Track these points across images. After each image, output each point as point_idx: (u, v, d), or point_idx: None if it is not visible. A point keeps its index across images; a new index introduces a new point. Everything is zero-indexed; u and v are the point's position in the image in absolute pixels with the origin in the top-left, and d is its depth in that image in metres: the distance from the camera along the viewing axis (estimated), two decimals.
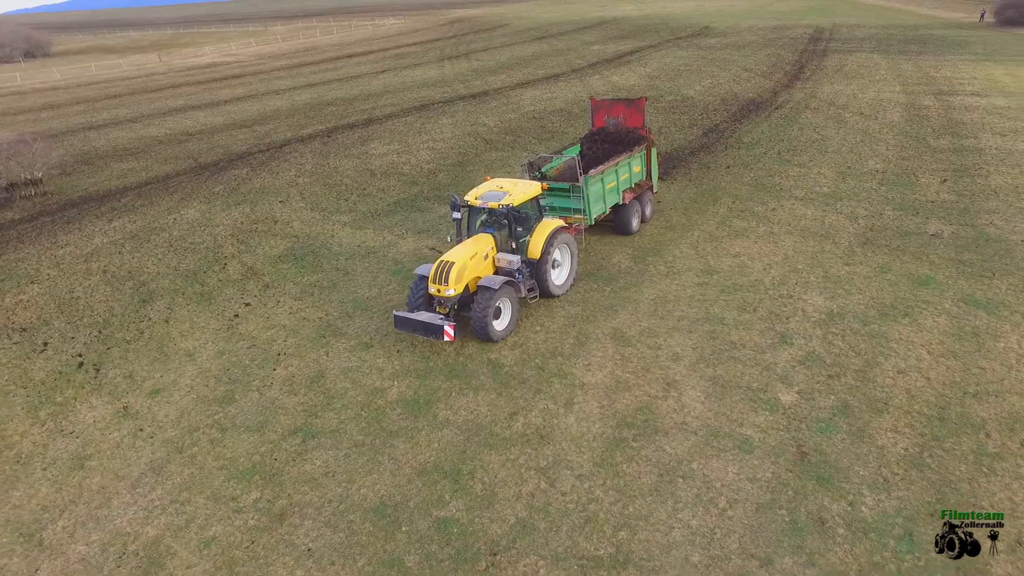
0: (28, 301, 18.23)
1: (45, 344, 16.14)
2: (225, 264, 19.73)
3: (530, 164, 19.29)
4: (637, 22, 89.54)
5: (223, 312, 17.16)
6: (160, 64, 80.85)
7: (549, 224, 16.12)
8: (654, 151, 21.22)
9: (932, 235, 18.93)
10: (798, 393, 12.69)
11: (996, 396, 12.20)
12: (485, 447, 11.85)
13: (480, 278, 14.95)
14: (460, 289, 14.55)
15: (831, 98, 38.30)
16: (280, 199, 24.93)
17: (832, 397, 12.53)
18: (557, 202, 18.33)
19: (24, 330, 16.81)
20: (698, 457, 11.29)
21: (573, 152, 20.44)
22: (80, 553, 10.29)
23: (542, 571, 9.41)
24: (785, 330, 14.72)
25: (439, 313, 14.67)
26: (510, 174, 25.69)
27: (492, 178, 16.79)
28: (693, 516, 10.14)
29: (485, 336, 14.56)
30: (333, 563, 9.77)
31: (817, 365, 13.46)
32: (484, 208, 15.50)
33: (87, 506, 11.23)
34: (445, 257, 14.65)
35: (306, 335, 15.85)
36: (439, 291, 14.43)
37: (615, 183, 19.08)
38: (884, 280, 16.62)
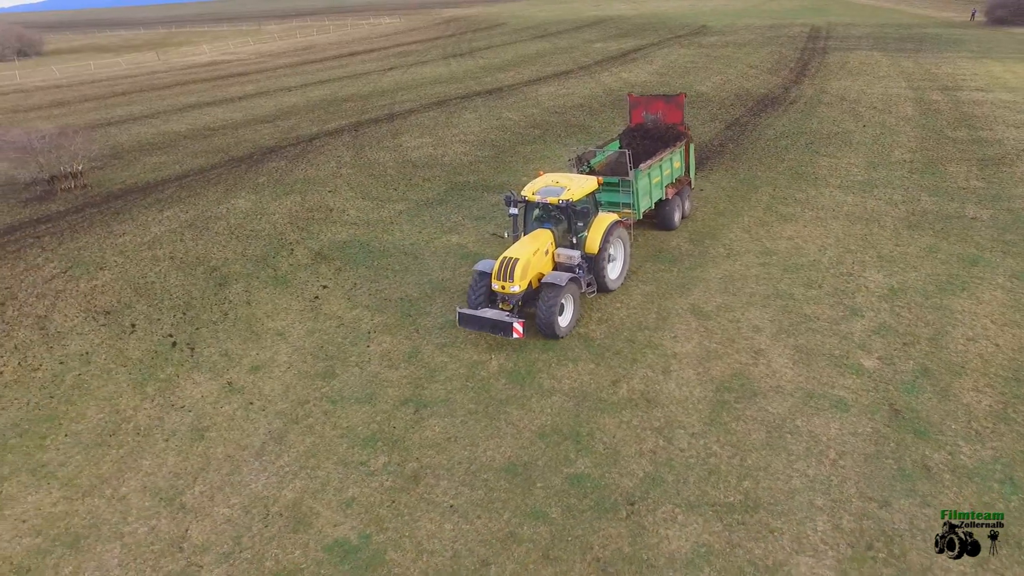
0: (103, 286, 18.63)
1: (133, 325, 16.59)
2: (292, 249, 20.25)
3: (578, 158, 19.58)
4: (634, 21, 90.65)
5: (302, 294, 17.70)
6: (159, 62, 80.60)
7: (605, 218, 16.07)
8: (691, 147, 21.69)
9: (972, 218, 19.88)
10: (879, 359, 13.52)
11: None
12: (596, 411, 12.54)
13: (542, 274, 14.93)
14: (525, 285, 14.49)
15: (842, 94, 39.41)
16: (328, 189, 25.44)
17: (911, 362, 13.37)
18: (605, 196, 18.19)
19: (108, 313, 17.24)
20: (799, 416, 12.07)
21: (613, 148, 20.86)
22: (224, 515, 10.81)
23: (679, 517, 10.12)
24: (853, 304, 15.56)
25: (503, 310, 14.59)
26: (552, 167, 26.39)
27: (544, 172, 16.66)
28: (808, 466, 10.91)
29: (551, 333, 14.45)
30: (479, 517, 10.40)
31: (891, 334, 14.30)
32: (543, 203, 15.30)
33: (218, 473, 11.75)
34: (508, 253, 14.56)
35: (392, 314, 16.45)
36: (503, 288, 14.30)
37: (659, 178, 19.30)
38: (935, 259, 17.53)
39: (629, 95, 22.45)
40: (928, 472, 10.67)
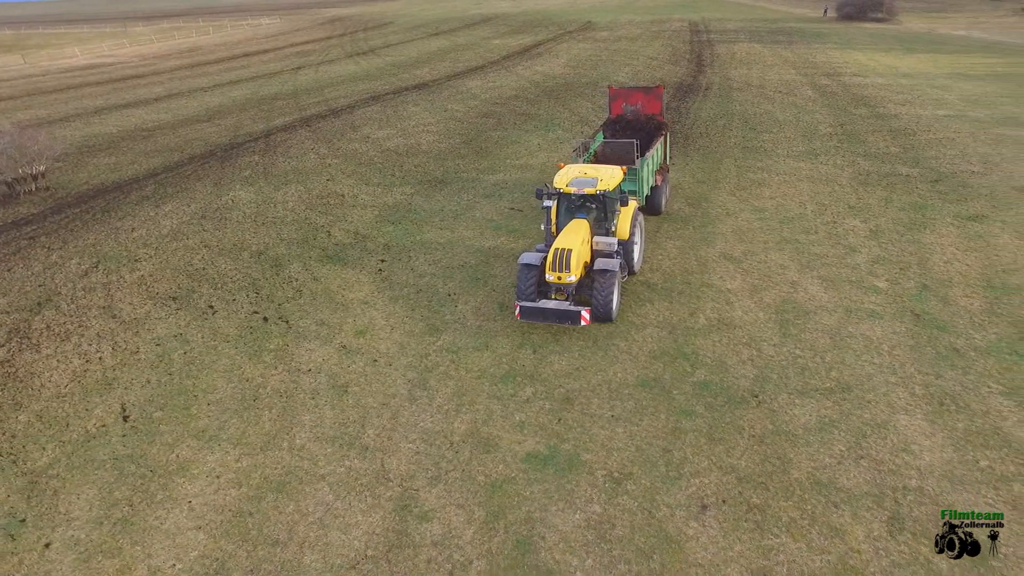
0: (152, 276, 18.91)
1: (211, 307, 17.21)
2: (328, 232, 21.22)
3: (583, 147, 20.80)
4: (521, 18, 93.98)
5: (364, 267, 18.90)
6: (26, 65, 74.77)
7: (630, 206, 16.79)
8: (667, 136, 23.27)
9: (906, 175, 24.06)
10: (887, 281, 16.83)
11: (1021, 270, 16.94)
12: (689, 336, 14.96)
13: (586, 262, 15.57)
14: (579, 274, 15.07)
15: (746, 80, 44.13)
16: (326, 178, 26.26)
17: (911, 281, 16.76)
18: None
19: (174, 298, 17.69)
20: (848, 324, 15.06)
21: (598, 139, 22.20)
22: (411, 448, 12.26)
23: (796, 401, 12.73)
24: (848, 243, 18.91)
25: (557, 299, 15.08)
26: (525, 153, 28.53)
27: (564, 164, 17.21)
28: (872, 358, 13.85)
29: (607, 316, 15.02)
30: (641, 420, 12.52)
31: (887, 263, 17.70)
32: (579, 195, 15.91)
33: (380, 418, 13.09)
34: (559, 245, 14.99)
35: (460, 279, 18.06)
36: (559, 278, 14.74)
37: (651, 166, 20.34)
38: (893, 207, 21.34)
39: (609, 87, 24.01)
40: (958, 353, 13.89)
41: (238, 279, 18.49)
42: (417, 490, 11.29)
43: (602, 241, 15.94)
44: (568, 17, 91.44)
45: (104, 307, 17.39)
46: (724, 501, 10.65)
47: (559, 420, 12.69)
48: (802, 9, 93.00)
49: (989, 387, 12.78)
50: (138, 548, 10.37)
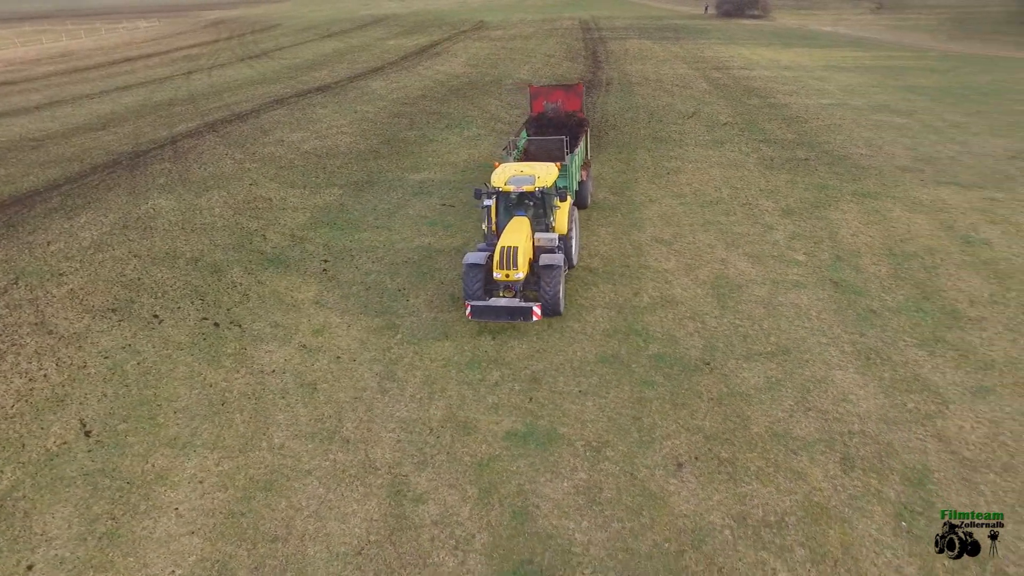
0: (82, 289, 18.13)
1: (155, 316, 16.75)
2: (263, 235, 20.93)
3: (513, 145, 21.03)
4: (412, 18, 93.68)
5: (307, 268, 18.84)
6: None
7: (567, 201, 17.10)
8: (588, 131, 24.15)
9: (805, 159, 26.19)
10: (805, 254, 18.46)
11: (915, 239, 19.00)
12: (637, 314, 15.95)
13: (530, 259, 15.82)
14: (527, 271, 15.42)
15: (643, 75, 46.19)
16: (248, 182, 25.72)
17: (826, 253, 18.47)
18: None
19: (113, 310, 17.09)
20: (778, 294, 16.48)
21: (523, 137, 22.68)
22: (392, 437, 12.58)
23: (744, 365, 13.92)
24: (765, 222, 20.52)
25: (506, 296, 15.28)
26: (447, 152, 28.96)
27: (500, 163, 17.47)
28: (803, 323, 15.28)
29: (556, 310, 15.29)
30: (608, 393, 13.35)
31: (802, 239, 19.39)
32: (518, 192, 16.22)
33: (355, 412, 13.31)
34: (505, 243, 15.21)
35: (407, 275, 18.35)
36: (508, 276, 14.99)
37: (578, 161, 20.72)
38: (798, 188, 23.26)
39: (530, 86, 24.58)
40: (875, 313, 15.53)
41: (179, 287, 18.01)
42: (406, 475, 11.62)
43: (543, 237, 16.30)
44: (460, 17, 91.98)
45: (36, 323, 16.56)
46: (696, 458, 11.60)
47: (530, 399, 13.31)
48: (684, 7, 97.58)
49: (905, 341, 14.41)
50: (131, 559, 10.21)
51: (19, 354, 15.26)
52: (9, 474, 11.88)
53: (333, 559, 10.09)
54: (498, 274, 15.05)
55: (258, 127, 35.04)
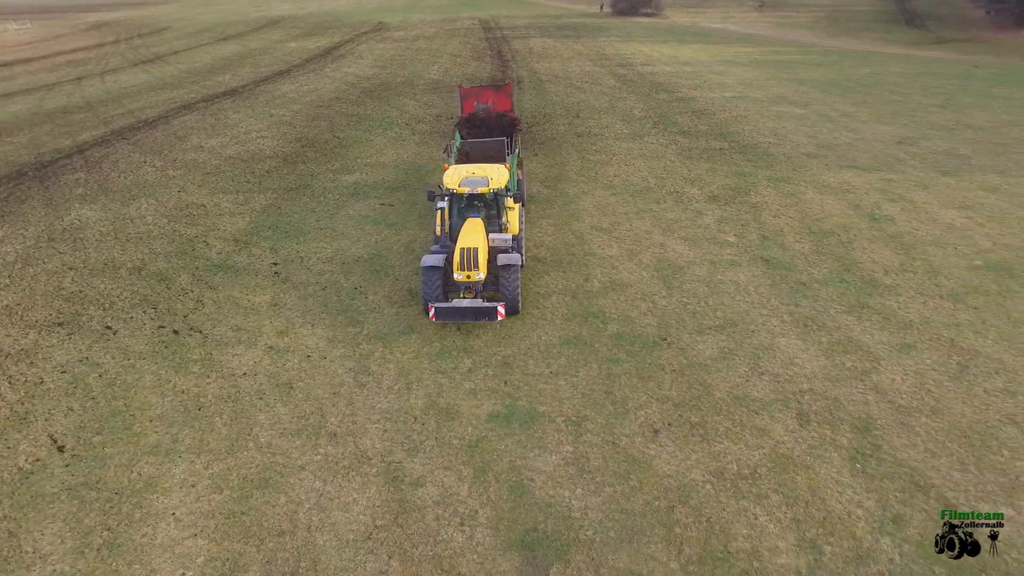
0: (20, 305, 17.35)
1: (108, 327, 16.30)
2: (205, 242, 20.55)
3: (456, 149, 20.72)
4: (309, 20, 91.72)
5: (258, 272, 18.73)
6: None
7: (519, 203, 17.38)
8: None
9: (719, 148, 28.01)
10: (735, 236, 19.96)
11: (829, 218, 20.87)
12: (590, 298, 16.87)
13: (487, 258, 15.95)
14: (486, 271, 15.62)
15: (552, 73, 47.50)
16: (176, 189, 25.01)
17: (753, 234, 20.03)
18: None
19: (60, 324, 16.49)
20: (717, 274, 17.82)
21: (457, 139, 22.37)
22: (378, 428, 12.91)
23: (697, 339, 15.09)
24: (694, 208, 21.96)
25: (467, 297, 15.56)
26: (372, 153, 29.13)
27: (448, 166, 17.61)
28: (744, 297, 16.64)
29: (515, 309, 15.63)
30: (578, 372, 14.18)
31: (731, 222, 20.91)
32: (473, 194, 16.42)
33: (336, 407, 13.54)
34: (464, 244, 15.40)
35: (361, 272, 18.58)
36: (469, 276, 15.19)
37: (515, 160, 20.72)
38: (719, 175, 24.91)
39: (460, 87, 24.63)
40: (805, 286, 17.10)
41: (126, 297, 17.51)
42: (400, 462, 12.04)
43: (498, 238, 16.50)
44: (358, 18, 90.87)
45: None
46: (670, 424, 12.60)
47: (505, 383, 13.96)
48: (579, 5, 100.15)
49: (834, 308, 15.98)
50: (136, 566, 10.18)
51: None
52: None
53: (344, 546, 10.41)
54: (459, 275, 15.20)
55: (171, 134, 33.85)
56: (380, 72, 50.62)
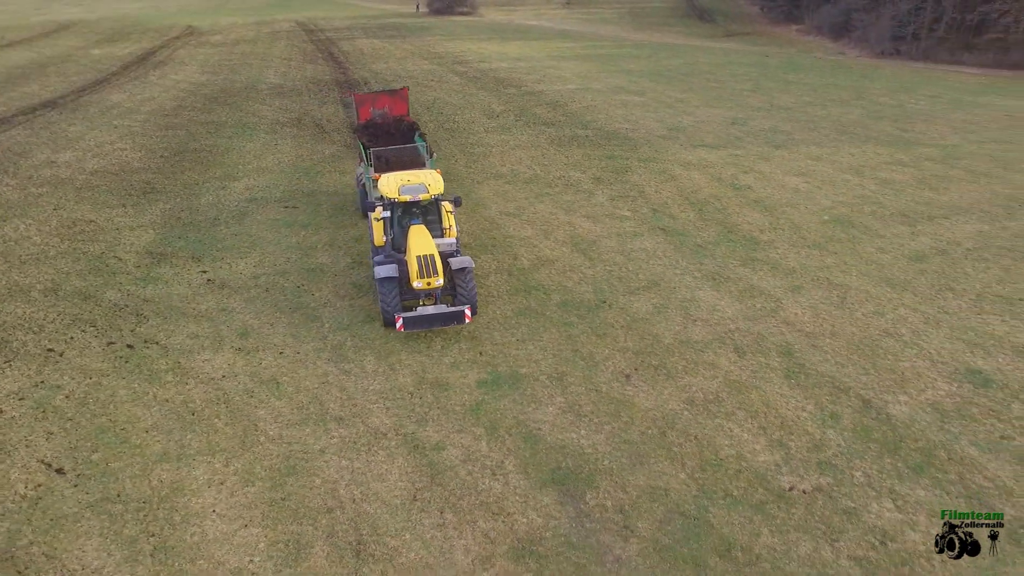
0: None
1: (51, 351, 15.41)
2: (116, 257, 19.59)
3: (377, 155, 20.12)
4: (105, 24, 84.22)
5: (190, 281, 18.35)
6: None
7: (447, 206, 17.19)
8: None
9: (585, 136, 30.78)
10: (629, 211, 22.61)
11: (700, 190, 24.16)
12: (524, 274, 18.57)
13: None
14: (443, 277, 15.64)
15: (393, 73, 48.31)
16: (51, 206, 23.17)
17: (644, 208, 22.80)
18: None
19: None
20: (625, 244, 20.27)
21: (360, 147, 21.78)
22: (379, 407, 13.80)
23: (631, 299, 17.36)
24: (585, 190, 24.39)
25: (426, 304, 15.84)
26: (253, 158, 28.80)
27: (379, 175, 17.41)
28: (657, 261, 19.21)
29: (475, 309, 15.90)
30: (541, 336, 15.86)
31: (622, 198, 23.56)
32: (414, 201, 16.32)
33: (330, 394, 14.14)
34: (420, 252, 15.44)
35: (298, 272, 18.91)
36: (429, 283, 15.27)
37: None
38: (594, 159, 27.59)
39: (355, 94, 23.99)
40: (701, 248, 20.01)
41: (54, 318, 16.56)
42: (414, 433, 13.07)
43: (443, 243, 16.68)
44: (162, 22, 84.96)
45: None
46: (636, 369, 14.70)
47: (480, 353, 15.34)
48: (393, 5, 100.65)
49: (732, 263, 18.98)
50: (201, 562, 10.47)
51: None
52: (2, 529, 10.98)
53: (395, 510, 11.36)
54: (419, 283, 15.25)
55: (7, 150, 30.74)
56: (213, 78, 48.48)
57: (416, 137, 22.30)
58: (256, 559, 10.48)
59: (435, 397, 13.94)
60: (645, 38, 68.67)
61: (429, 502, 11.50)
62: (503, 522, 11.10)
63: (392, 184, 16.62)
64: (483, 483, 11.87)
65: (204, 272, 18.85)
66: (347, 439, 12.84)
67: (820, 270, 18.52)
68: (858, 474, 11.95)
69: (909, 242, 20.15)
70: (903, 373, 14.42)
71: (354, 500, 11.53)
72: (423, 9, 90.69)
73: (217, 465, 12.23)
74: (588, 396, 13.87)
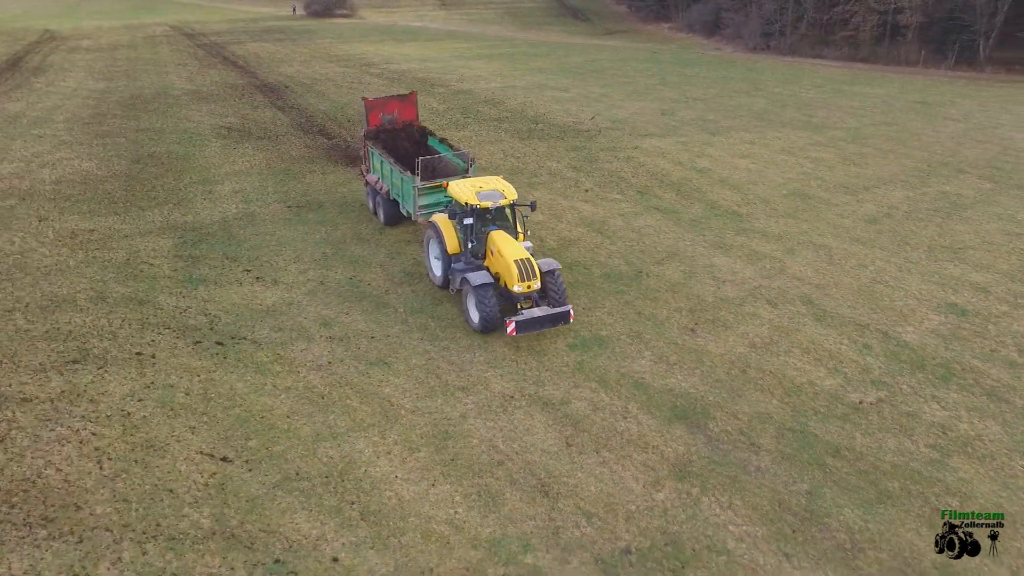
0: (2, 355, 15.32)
1: (138, 354, 15.47)
2: (147, 263, 19.29)
3: (424, 164, 19.94)
4: None
5: (240, 280, 18.42)
6: None
7: (524, 210, 17.73)
8: None
9: (541, 130, 32.83)
10: (619, 194, 24.89)
11: (669, 174, 26.87)
12: (556, 253, 20.33)
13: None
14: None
15: (308, 76, 48.09)
16: (36, 219, 22.01)
17: (631, 191, 25.17)
18: (435, 197, 19.62)
19: (75, 362, 14.97)
20: (632, 222, 22.53)
21: (373, 155, 22.13)
22: (493, 376, 15.24)
23: (662, 268, 19.63)
24: (569, 178, 26.43)
25: (524, 308, 16.03)
26: (223, 162, 28.49)
27: (448, 183, 17.82)
28: (666, 236, 21.61)
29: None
30: (603, 305, 17.76)
31: (605, 184, 25.81)
32: (494, 208, 16.59)
33: (441, 368, 15.29)
34: (517, 257, 15.76)
35: (340, 264, 19.64)
36: (530, 287, 15.69)
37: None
38: (561, 150, 29.66)
39: (365, 99, 23.56)
40: (697, 222, 22.64)
41: (120, 324, 16.28)
42: (537, 393, 14.48)
43: (523, 247, 16.64)
44: (12, 25, 77.78)
45: None
46: (697, 324, 16.92)
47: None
48: (266, 8, 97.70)
49: (729, 233, 21.73)
50: (412, 519, 11.39)
51: (37, 437, 13.02)
52: (198, 514, 11.39)
53: (556, 454, 12.84)
54: (519, 287, 15.67)
55: None
56: (113, 85, 45.95)
57: (430, 140, 23.03)
58: (459, 510, 11.63)
59: (538, 362, 15.44)
60: (533, 37, 71.69)
61: (583, 446, 13.08)
62: (653, 453, 12.92)
63: (467, 191, 16.67)
64: (620, 425, 13.61)
65: (248, 271, 19.08)
66: (480, 404, 14.10)
67: (801, 235, 21.68)
68: (904, 387, 14.82)
69: (858, 208, 23.86)
70: (901, 310, 17.63)
71: (516, 452, 12.89)
72: (300, 12, 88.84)
73: (375, 438, 13.13)
74: (669, 348, 15.93)
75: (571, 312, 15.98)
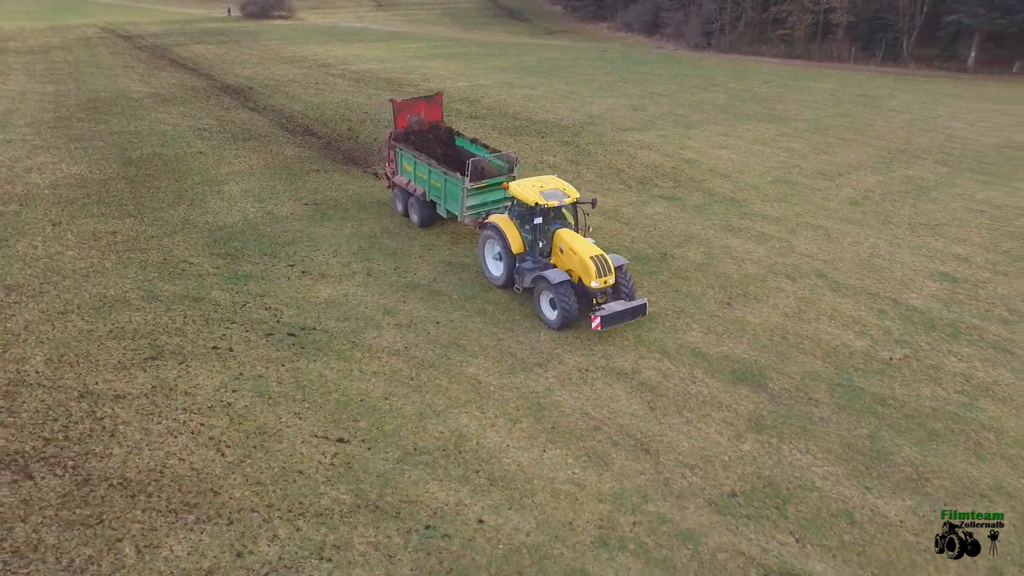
0: (62, 357, 15.32)
1: (215, 348, 15.69)
2: (188, 262, 19.34)
3: (473, 166, 20.08)
4: None
5: (287, 275, 18.93)
6: None
7: (586, 208, 18.04)
8: None
9: (526, 127, 33.92)
10: (621, 184, 26.29)
11: (661, 165, 28.55)
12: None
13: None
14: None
15: (271, 78, 47.53)
16: (49, 223, 21.61)
17: (631, 181, 26.60)
18: (483, 197, 20.08)
19: (153, 359, 15.19)
20: (642, 210, 23.95)
21: (403, 156, 22.14)
22: (563, 352, 16.34)
23: (682, 251, 21.13)
24: (571, 170, 27.68)
25: (600, 303, 16.43)
26: (220, 163, 28.37)
27: (508, 184, 17.81)
28: (675, 222, 23.09)
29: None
30: (641, 285, 19.14)
31: (605, 176, 27.15)
32: (562, 206, 17.09)
33: (512, 348, 16.22)
34: (591, 253, 16.26)
35: (380, 258, 20.26)
36: (606, 282, 16.21)
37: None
38: (553, 144, 30.82)
39: (392, 101, 23.50)
40: (700, 208, 24.27)
41: (184, 321, 16.44)
42: (608, 365, 15.63)
43: (593, 244, 17.02)
44: None
45: (82, 392, 13.99)
46: (731, 298, 18.44)
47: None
48: (198, 10, 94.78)
49: (733, 217, 23.43)
50: (537, 480, 12.41)
51: (147, 431, 13.26)
52: (335, 491, 12.00)
53: (645, 419, 13.98)
54: (597, 283, 16.18)
55: None
56: (61, 88, 44.18)
57: (457, 140, 23.35)
58: (576, 471, 12.67)
59: (600, 338, 16.58)
60: (478, 37, 72.63)
61: (665, 408, 14.32)
62: (728, 411, 14.29)
63: (531, 191, 16.84)
64: (692, 389, 14.92)
65: (291, 266, 19.45)
66: (561, 377, 15.15)
67: (797, 216, 23.62)
68: (923, 344, 16.74)
69: (839, 192, 26.07)
70: (902, 280, 19.67)
71: (608, 418, 14.01)
72: (236, 13, 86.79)
73: (476, 413, 13.99)
74: (712, 321, 17.37)
75: (647, 304, 16.50)
